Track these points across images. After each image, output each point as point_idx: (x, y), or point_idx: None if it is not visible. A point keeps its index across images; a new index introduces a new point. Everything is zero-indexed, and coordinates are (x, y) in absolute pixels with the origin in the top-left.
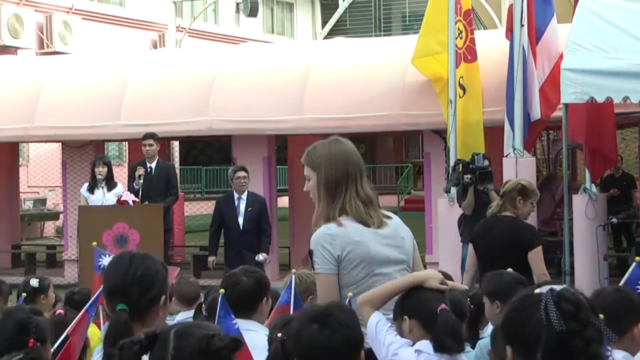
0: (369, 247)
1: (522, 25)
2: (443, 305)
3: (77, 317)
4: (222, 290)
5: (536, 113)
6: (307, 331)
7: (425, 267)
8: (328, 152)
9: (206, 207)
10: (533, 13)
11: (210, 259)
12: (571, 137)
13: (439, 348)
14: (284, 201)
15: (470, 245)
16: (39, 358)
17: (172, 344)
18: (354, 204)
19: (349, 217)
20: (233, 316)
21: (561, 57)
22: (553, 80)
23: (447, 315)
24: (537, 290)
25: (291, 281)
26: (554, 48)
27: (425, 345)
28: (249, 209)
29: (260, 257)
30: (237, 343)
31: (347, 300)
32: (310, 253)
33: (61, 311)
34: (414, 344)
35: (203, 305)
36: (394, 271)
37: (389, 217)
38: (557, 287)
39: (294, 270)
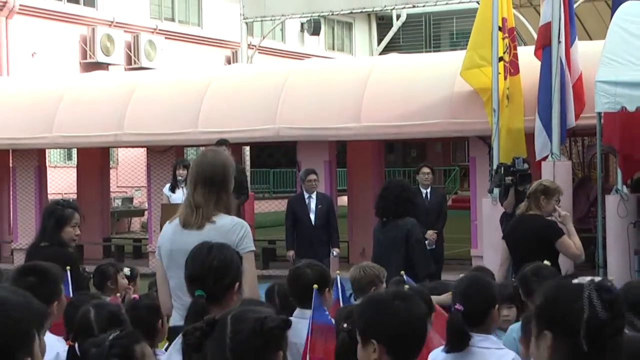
0: (172, 243)
1: (559, 42)
2: None
3: None
4: (315, 286)
5: (571, 122)
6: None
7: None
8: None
9: (274, 206)
10: (569, 31)
11: (290, 253)
12: (607, 141)
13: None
14: (343, 200)
15: (503, 242)
16: (137, 340)
17: (229, 327)
18: (182, 208)
19: (178, 217)
20: (325, 308)
21: (581, 74)
22: (575, 94)
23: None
24: (575, 281)
25: (336, 281)
26: (576, 65)
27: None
28: (319, 206)
29: (334, 252)
30: (288, 323)
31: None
32: None
33: (136, 296)
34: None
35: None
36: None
37: (213, 222)
38: (596, 279)
39: (338, 272)
